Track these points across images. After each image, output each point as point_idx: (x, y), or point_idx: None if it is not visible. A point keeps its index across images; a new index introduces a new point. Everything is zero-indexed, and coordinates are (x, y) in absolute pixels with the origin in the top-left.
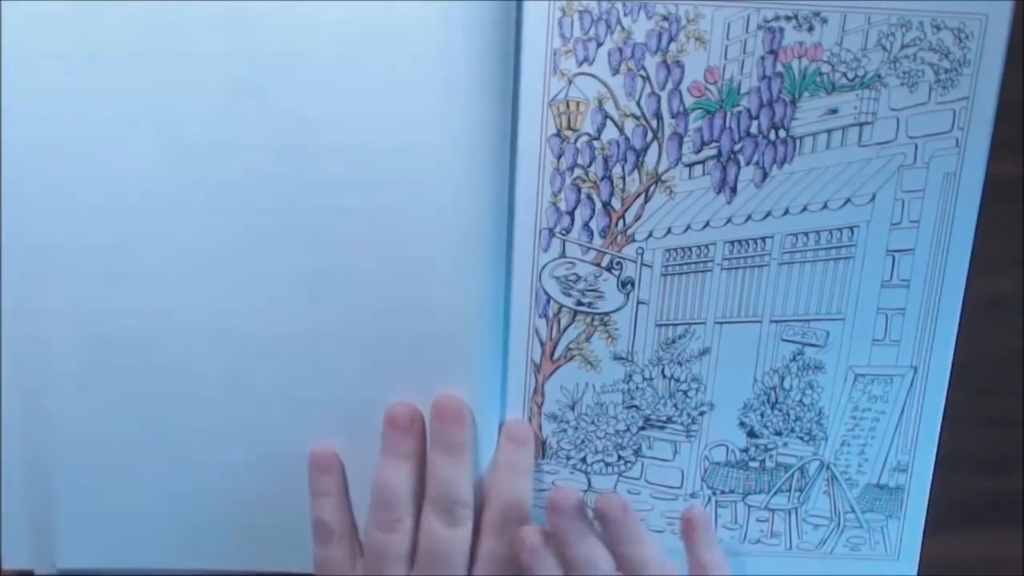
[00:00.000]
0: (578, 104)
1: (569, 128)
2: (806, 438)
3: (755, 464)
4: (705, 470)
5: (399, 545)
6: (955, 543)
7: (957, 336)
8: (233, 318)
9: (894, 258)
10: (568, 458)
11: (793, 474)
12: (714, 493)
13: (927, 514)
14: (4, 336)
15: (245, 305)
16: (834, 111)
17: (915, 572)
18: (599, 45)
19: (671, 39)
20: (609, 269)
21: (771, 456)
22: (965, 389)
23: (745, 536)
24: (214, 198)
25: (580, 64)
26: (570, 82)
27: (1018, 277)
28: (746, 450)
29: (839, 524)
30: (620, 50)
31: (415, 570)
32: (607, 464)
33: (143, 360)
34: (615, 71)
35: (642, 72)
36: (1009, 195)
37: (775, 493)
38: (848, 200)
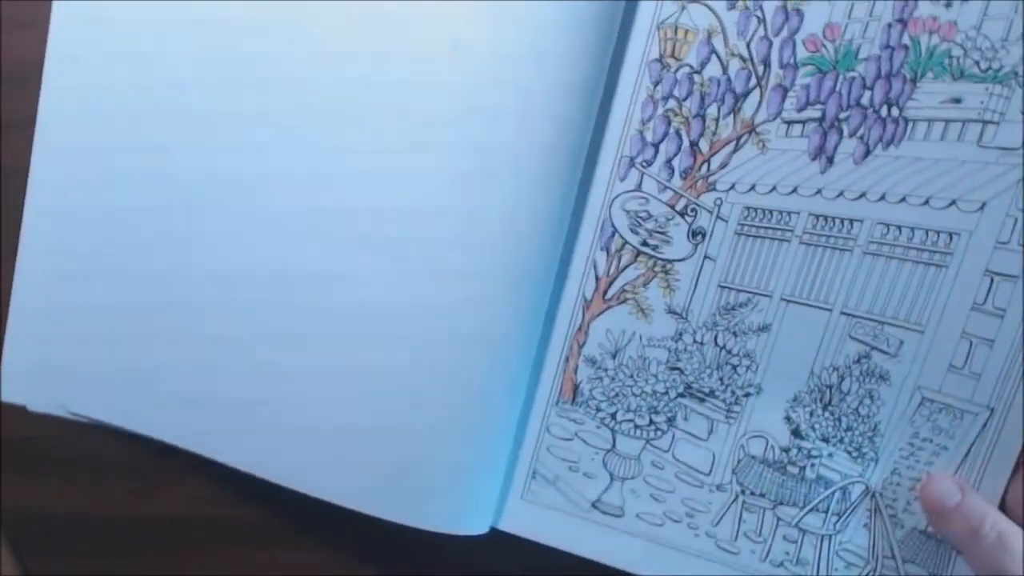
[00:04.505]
0: (686, 32)
1: (672, 56)
2: (855, 454)
3: (794, 469)
4: (739, 461)
5: None
6: None
7: None
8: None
9: (992, 280)
10: (598, 409)
11: (834, 493)
12: (743, 491)
13: None
14: None
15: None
16: (957, 100)
17: None
18: None
19: None
20: (683, 214)
21: (813, 465)
22: None
23: (768, 555)
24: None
25: None
26: (683, 8)
27: None
28: (787, 450)
29: (875, 568)
30: None
31: None
32: (637, 427)
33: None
34: (731, 6)
35: (759, 13)
36: None
37: (810, 510)
38: (954, 202)
